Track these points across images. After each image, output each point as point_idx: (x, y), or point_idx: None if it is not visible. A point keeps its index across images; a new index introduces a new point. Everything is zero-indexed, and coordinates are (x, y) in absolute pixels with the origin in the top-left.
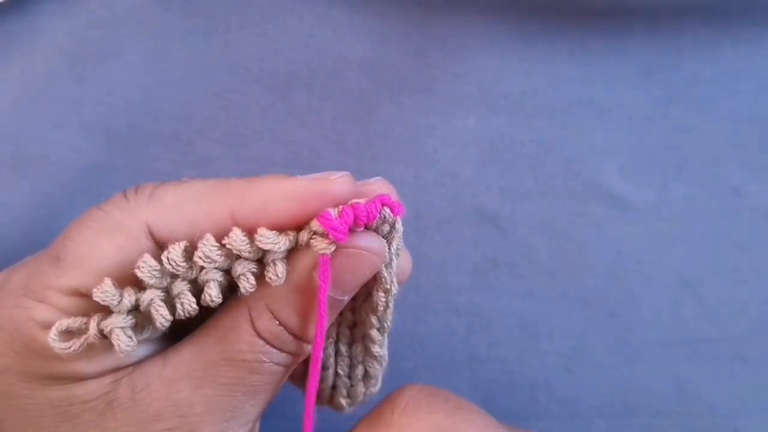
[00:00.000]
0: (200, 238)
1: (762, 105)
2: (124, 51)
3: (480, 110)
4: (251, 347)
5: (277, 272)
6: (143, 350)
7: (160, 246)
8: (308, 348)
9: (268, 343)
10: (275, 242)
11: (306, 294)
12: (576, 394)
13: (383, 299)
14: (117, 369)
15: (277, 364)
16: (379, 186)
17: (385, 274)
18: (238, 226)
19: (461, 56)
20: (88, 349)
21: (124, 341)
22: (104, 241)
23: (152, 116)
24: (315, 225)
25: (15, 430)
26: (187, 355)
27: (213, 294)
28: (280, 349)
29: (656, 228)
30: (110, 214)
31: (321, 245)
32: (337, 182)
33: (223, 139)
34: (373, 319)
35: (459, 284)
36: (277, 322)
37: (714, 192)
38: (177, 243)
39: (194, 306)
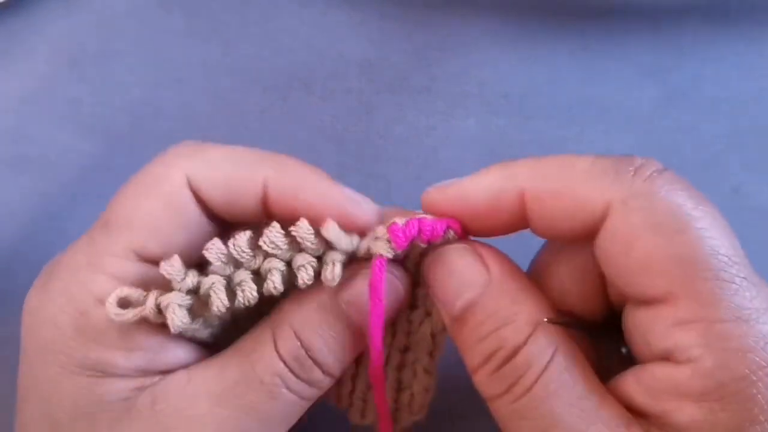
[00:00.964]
0: (266, 225)
1: (762, 105)
2: (124, 51)
3: (480, 110)
4: (271, 368)
5: (334, 273)
6: (172, 359)
7: (199, 199)
8: (327, 381)
9: (287, 365)
10: (340, 238)
11: (332, 322)
12: None
13: (443, 325)
14: (144, 373)
15: (294, 392)
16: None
17: None
18: (269, 196)
19: (461, 56)
20: (128, 336)
21: (179, 316)
22: (148, 195)
23: (152, 116)
24: (380, 230)
25: (31, 416)
26: (210, 372)
27: (276, 282)
28: (298, 376)
29: None
30: (151, 168)
31: (381, 244)
32: (365, 209)
33: (223, 139)
34: (429, 345)
35: None
36: (299, 344)
37: (714, 192)
38: (242, 231)
39: (255, 294)
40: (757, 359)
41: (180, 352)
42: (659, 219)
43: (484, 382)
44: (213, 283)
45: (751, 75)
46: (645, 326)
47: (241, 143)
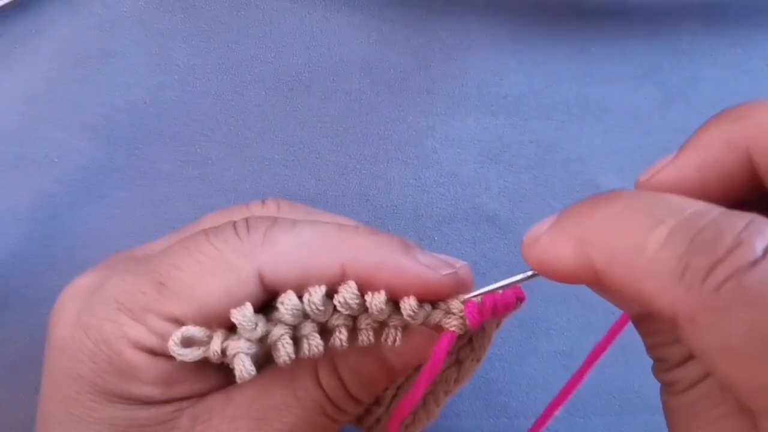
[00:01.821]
0: (344, 283)
1: None
2: (126, 52)
3: (479, 110)
4: (311, 396)
5: (396, 338)
6: (209, 385)
7: (265, 289)
8: (359, 410)
9: (326, 396)
10: (416, 313)
11: (369, 359)
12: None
13: (469, 374)
14: (182, 398)
15: (329, 417)
16: (464, 272)
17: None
18: (346, 276)
19: (461, 57)
20: (166, 373)
21: (248, 368)
22: (214, 280)
23: (154, 117)
24: (456, 306)
25: None
26: (250, 395)
27: (343, 339)
28: (335, 405)
29: None
30: (222, 252)
31: (454, 322)
32: (444, 279)
33: (224, 140)
34: (448, 387)
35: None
36: (338, 377)
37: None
38: (318, 287)
39: (321, 349)
40: None
41: (214, 378)
42: (736, 342)
43: (655, 373)
44: (282, 335)
45: (749, 75)
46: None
47: (242, 143)
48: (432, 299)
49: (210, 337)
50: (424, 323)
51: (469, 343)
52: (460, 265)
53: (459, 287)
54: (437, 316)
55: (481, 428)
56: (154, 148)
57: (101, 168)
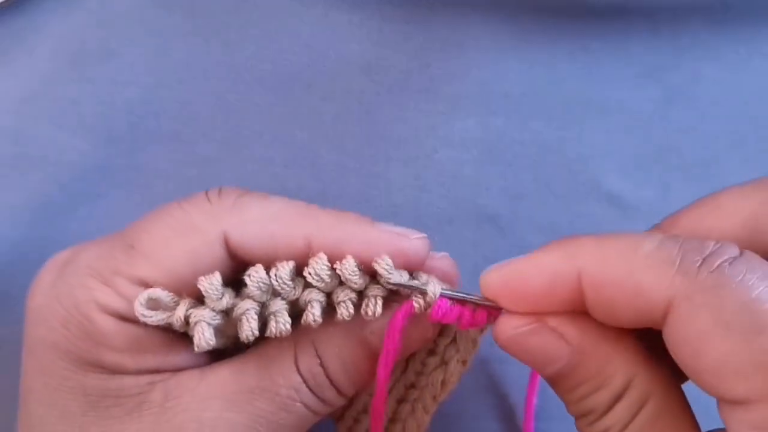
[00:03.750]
0: (314, 255)
1: (762, 105)
2: (124, 51)
3: (480, 110)
4: (288, 382)
5: (375, 310)
6: (182, 360)
7: (231, 255)
8: (340, 400)
9: (305, 382)
10: (390, 270)
11: (354, 346)
12: None
13: (455, 377)
14: (155, 371)
15: (307, 407)
16: (443, 263)
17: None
18: (313, 254)
19: (461, 56)
20: (137, 340)
21: (207, 337)
22: (180, 241)
23: (152, 116)
24: (432, 289)
25: (38, 407)
26: (225, 375)
27: (316, 314)
28: (314, 393)
29: None
30: (190, 214)
31: (420, 301)
32: (414, 242)
33: (223, 140)
34: (435, 390)
35: (459, 284)
36: (319, 362)
37: (714, 191)
38: (285, 262)
39: (288, 327)
40: None
41: (189, 354)
42: (730, 318)
43: (582, 429)
44: (247, 309)
45: (751, 74)
46: (723, 418)
47: (241, 143)
48: (406, 267)
49: (176, 303)
50: (401, 292)
51: (454, 342)
52: (422, 235)
53: (428, 252)
54: (415, 283)
55: (482, 430)
56: (153, 147)
57: (99, 167)
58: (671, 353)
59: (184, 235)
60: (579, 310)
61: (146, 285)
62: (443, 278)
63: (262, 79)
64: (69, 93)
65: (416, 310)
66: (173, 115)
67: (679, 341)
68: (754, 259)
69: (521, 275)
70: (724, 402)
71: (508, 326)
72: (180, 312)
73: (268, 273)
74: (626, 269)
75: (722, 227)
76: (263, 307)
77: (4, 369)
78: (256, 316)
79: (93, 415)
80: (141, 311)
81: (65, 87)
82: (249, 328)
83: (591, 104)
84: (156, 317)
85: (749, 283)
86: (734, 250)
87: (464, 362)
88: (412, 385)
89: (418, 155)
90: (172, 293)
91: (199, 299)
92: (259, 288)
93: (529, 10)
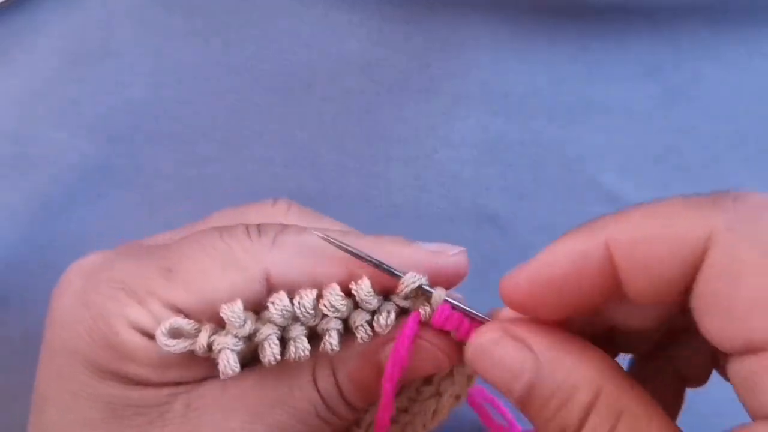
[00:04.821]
0: (326, 286)
1: (762, 105)
2: (124, 51)
3: (480, 110)
4: (307, 396)
5: (387, 320)
6: (203, 371)
7: (270, 291)
8: (352, 415)
9: (321, 397)
10: (415, 282)
11: (367, 366)
12: None
13: (446, 409)
14: (178, 383)
15: (322, 420)
16: (458, 259)
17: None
18: (353, 279)
19: (461, 56)
20: (161, 356)
21: (231, 365)
22: (221, 274)
23: (152, 116)
24: (438, 294)
25: (55, 412)
26: (246, 387)
27: (333, 343)
28: (329, 407)
29: None
30: (232, 249)
31: (426, 307)
32: (452, 259)
33: (223, 139)
34: (426, 419)
35: (460, 285)
36: (334, 381)
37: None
38: (309, 290)
39: (307, 353)
40: None
41: (209, 364)
42: None
43: None
44: (269, 335)
45: (751, 74)
46: (753, 378)
47: (241, 143)
48: (446, 284)
49: (198, 331)
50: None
51: (450, 375)
52: (460, 249)
53: (467, 267)
54: (423, 284)
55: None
56: (153, 147)
57: (99, 167)
58: (700, 313)
59: (226, 269)
60: (611, 298)
61: (179, 311)
62: (456, 276)
63: (262, 79)
64: (69, 93)
65: (423, 317)
66: (173, 115)
67: (716, 277)
68: None
69: (547, 266)
70: (754, 353)
71: (474, 340)
72: (202, 340)
73: (291, 301)
74: (659, 220)
75: None
76: (283, 330)
77: (3, 369)
78: (278, 342)
79: (114, 423)
80: (164, 341)
81: (65, 87)
82: (271, 354)
83: (591, 104)
84: (178, 346)
85: None
86: (763, 194)
87: (458, 397)
88: (405, 410)
89: (418, 155)
90: (192, 321)
91: (219, 322)
92: (282, 315)
93: (529, 10)
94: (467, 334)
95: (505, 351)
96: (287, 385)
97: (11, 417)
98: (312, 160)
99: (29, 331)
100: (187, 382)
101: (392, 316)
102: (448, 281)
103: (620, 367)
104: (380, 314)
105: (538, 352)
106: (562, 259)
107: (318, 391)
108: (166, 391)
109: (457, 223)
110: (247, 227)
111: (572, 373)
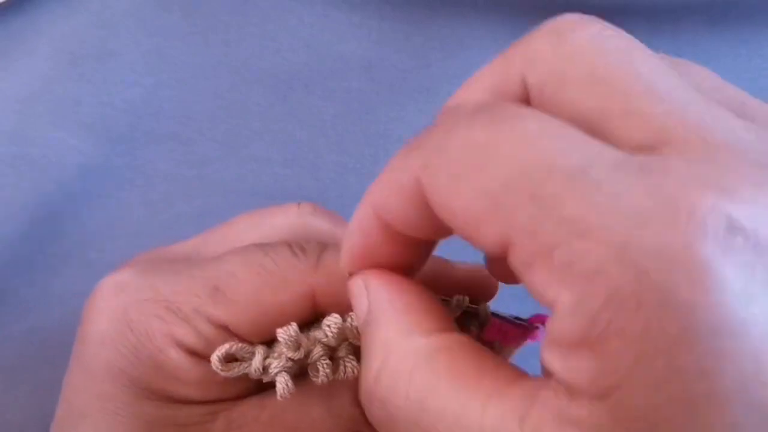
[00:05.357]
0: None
1: None
2: (124, 51)
3: None
4: (348, 414)
5: None
6: (241, 389)
7: (314, 311)
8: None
9: (363, 414)
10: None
11: None
12: None
13: None
14: (218, 401)
15: None
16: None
17: None
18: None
19: (462, 56)
20: (205, 374)
21: (290, 387)
22: (270, 294)
23: (152, 116)
24: (483, 310)
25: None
26: (285, 404)
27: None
28: (370, 426)
29: None
30: (279, 267)
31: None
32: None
33: (222, 139)
34: None
35: None
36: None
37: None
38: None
39: (355, 372)
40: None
41: (249, 382)
42: None
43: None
44: (322, 356)
45: (751, 75)
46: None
47: (241, 143)
48: (485, 298)
49: (251, 354)
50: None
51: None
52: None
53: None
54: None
55: None
56: (152, 147)
57: (99, 167)
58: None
59: (275, 289)
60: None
61: (227, 330)
62: (495, 288)
63: (261, 78)
64: (69, 93)
65: (475, 334)
66: (173, 115)
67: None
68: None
69: (358, 244)
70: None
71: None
72: (257, 363)
73: (344, 320)
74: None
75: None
76: (331, 349)
77: (1, 369)
78: (330, 362)
79: None
80: (220, 366)
81: (65, 87)
82: (324, 374)
83: None
84: (234, 371)
85: None
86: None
87: None
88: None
89: None
90: (245, 344)
91: (265, 341)
92: (335, 336)
93: (529, 10)
94: (514, 339)
95: (352, 293)
96: (327, 403)
97: (13, 416)
98: (312, 160)
99: (30, 332)
100: (226, 399)
101: None
102: (486, 295)
103: None
104: None
105: (370, 299)
106: (361, 231)
107: (359, 409)
108: (206, 409)
109: None
110: (290, 246)
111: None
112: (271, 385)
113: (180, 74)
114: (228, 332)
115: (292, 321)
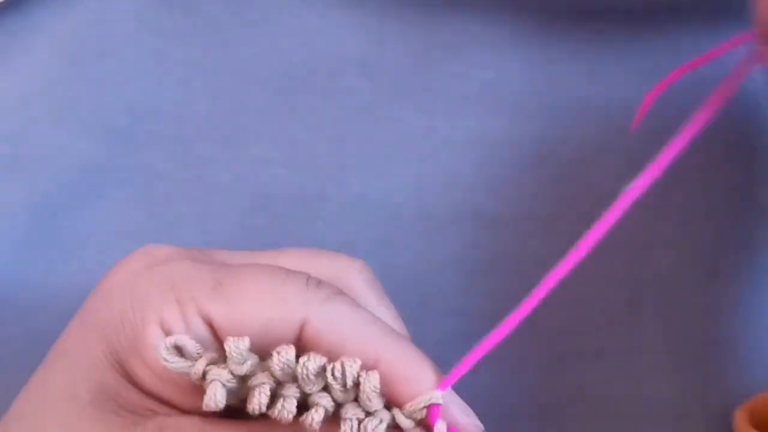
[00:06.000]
0: (348, 359)
1: None
2: (123, 51)
3: (480, 110)
4: None
5: (374, 429)
6: (193, 403)
7: (296, 343)
8: None
9: None
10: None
11: None
12: None
13: None
14: (166, 402)
15: None
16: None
17: None
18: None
19: (461, 56)
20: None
21: (218, 398)
22: (265, 308)
23: (152, 116)
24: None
25: (66, 373)
26: (228, 427)
27: (316, 419)
28: None
29: None
30: (285, 288)
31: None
32: (424, 381)
33: (222, 139)
34: None
35: (459, 285)
36: None
37: (714, 191)
38: (319, 356)
39: (291, 417)
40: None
41: (199, 398)
42: None
43: None
44: (263, 383)
45: (751, 76)
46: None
47: (240, 143)
48: (395, 397)
49: (200, 356)
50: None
51: None
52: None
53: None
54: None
55: None
56: (152, 147)
57: (98, 168)
58: None
59: (271, 304)
60: None
61: (209, 324)
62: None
63: (260, 79)
64: (68, 93)
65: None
66: (172, 115)
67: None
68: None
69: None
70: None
71: None
72: (199, 366)
73: (297, 359)
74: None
75: None
76: (278, 384)
77: (3, 368)
78: (268, 393)
79: (96, 411)
80: (164, 355)
81: (64, 87)
82: (258, 403)
83: (591, 105)
84: (177, 364)
85: None
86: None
87: None
88: None
89: (418, 155)
90: (198, 344)
91: (223, 355)
92: (282, 370)
93: (530, 10)
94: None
95: None
96: None
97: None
98: (311, 160)
99: (29, 332)
100: (173, 405)
101: (382, 427)
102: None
103: None
104: (373, 418)
105: None
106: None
107: None
108: (150, 404)
109: (458, 224)
110: (308, 276)
111: None
112: (224, 413)
113: (179, 74)
114: (210, 330)
115: (278, 343)
